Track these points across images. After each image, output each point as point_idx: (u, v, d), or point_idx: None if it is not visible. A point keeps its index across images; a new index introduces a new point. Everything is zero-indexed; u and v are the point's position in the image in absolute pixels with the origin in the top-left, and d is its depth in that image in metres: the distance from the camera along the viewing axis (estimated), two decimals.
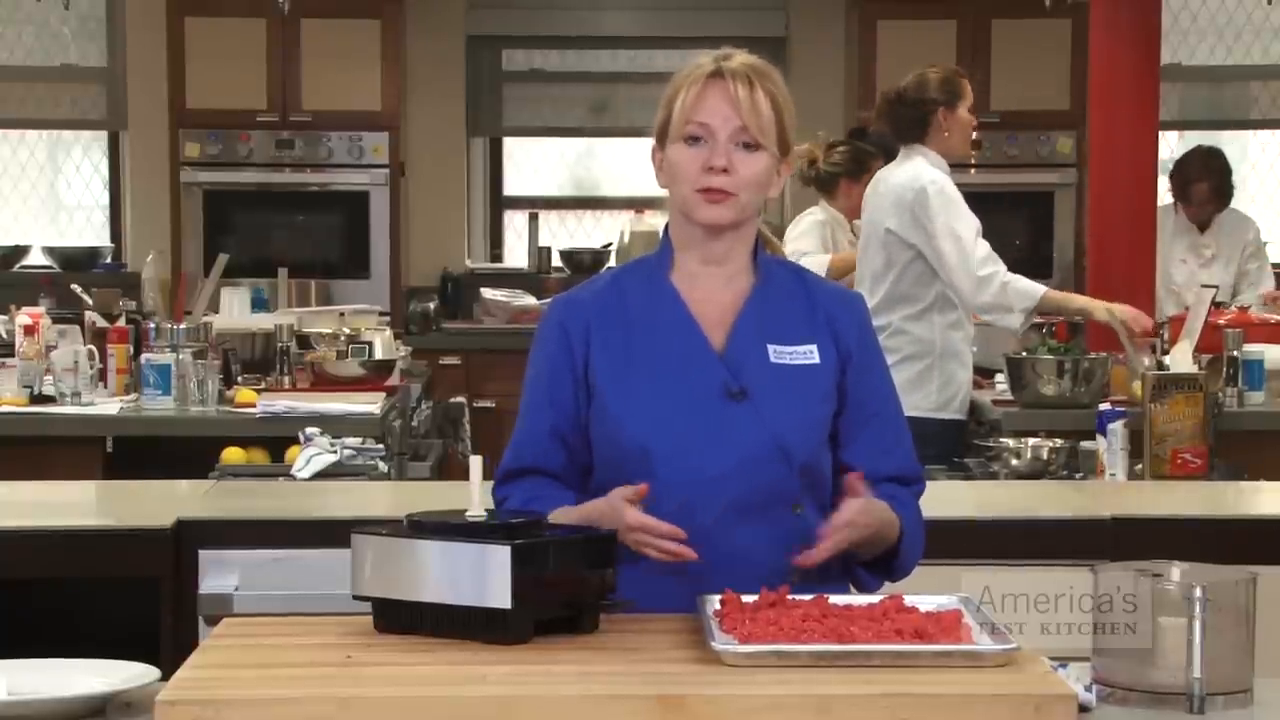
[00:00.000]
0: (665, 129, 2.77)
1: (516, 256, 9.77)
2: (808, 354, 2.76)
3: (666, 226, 2.84)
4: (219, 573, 3.70)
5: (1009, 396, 5.70)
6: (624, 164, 9.73)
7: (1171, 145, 9.12)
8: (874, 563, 2.78)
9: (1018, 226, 9.01)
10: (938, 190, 5.61)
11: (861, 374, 2.80)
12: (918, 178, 5.66)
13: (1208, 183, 7.64)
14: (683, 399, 2.71)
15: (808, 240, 6.87)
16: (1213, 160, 7.76)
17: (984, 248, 5.57)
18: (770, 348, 2.75)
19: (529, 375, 2.82)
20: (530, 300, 9.08)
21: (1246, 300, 7.03)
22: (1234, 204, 7.98)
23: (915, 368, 5.58)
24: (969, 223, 5.59)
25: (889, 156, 6.12)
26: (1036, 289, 5.56)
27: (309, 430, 4.87)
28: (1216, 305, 6.19)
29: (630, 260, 2.93)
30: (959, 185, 5.75)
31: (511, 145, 9.91)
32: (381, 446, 4.97)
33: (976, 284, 5.52)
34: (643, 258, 2.88)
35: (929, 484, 2.93)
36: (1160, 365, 5.22)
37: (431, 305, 9.01)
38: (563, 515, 2.69)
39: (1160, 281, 7.12)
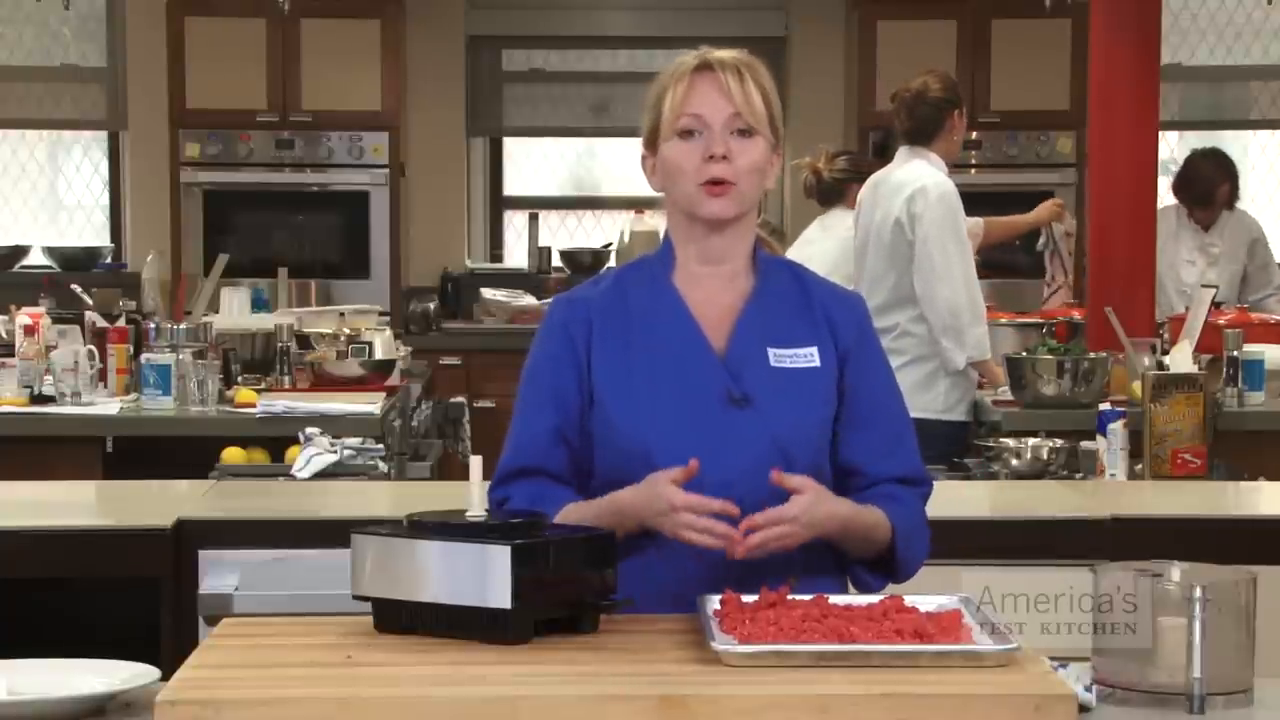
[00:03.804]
0: (655, 131, 2.76)
1: (516, 256, 9.77)
2: (808, 357, 2.75)
3: (667, 231, 2.82)
4: (219, 573, 3.70)
5: (1009, 396, 5.70)
6: (624, 164, 9.73)
7: (1171, 145, 9.12)
8: (874, 563, 2.78)
9: None
10: (940, 194, 5.62)
11: (860, 374, 2.78)
12: (920, 178, 5.67)
13: (1229, 184, 7.68)
14: (684, 405, 2.70)
15: None
16: (1225, 160, 7.80)
17: (976, 286, 5.62)
18: (771, 351, 2.74)
19: (529, 373, 2.79)
20: (530, 300, 9.08)
21: (1271, 305, 7.05)
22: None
23: (923, 370, 5.59)
24: (961, 238, 5.61)
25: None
26: (987, 349, 5.65)
27: (309, 430, 4.86)
28: (1216, 305, 6.19)
29: (633, 260, 2.92)
30: (959, 184, 5.76)
31: (511, 145, 9.92)
32: (381, 446, 4.97)
33: (948, 305, 5.56)
34: (645, 257, 2.85)
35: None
36: (1160, 365, 5.22)
37: (431, 305, 9.02)
38: (579, 508, 2.67)
39: (1170, 283, 7.15)
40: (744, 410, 2.70)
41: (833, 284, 2.94)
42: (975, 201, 5.71)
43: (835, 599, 2.48)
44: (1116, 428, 4.82)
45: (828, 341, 2.77)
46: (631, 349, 2.74)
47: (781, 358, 2.74)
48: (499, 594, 2.38)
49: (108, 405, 5.73)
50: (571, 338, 2.75)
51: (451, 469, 6.26)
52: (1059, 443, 4.98)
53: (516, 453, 2.76)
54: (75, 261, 9.28)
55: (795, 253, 6.48)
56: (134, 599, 3.65)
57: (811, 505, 2.61)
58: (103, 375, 5.89)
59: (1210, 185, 7.66)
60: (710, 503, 2.58)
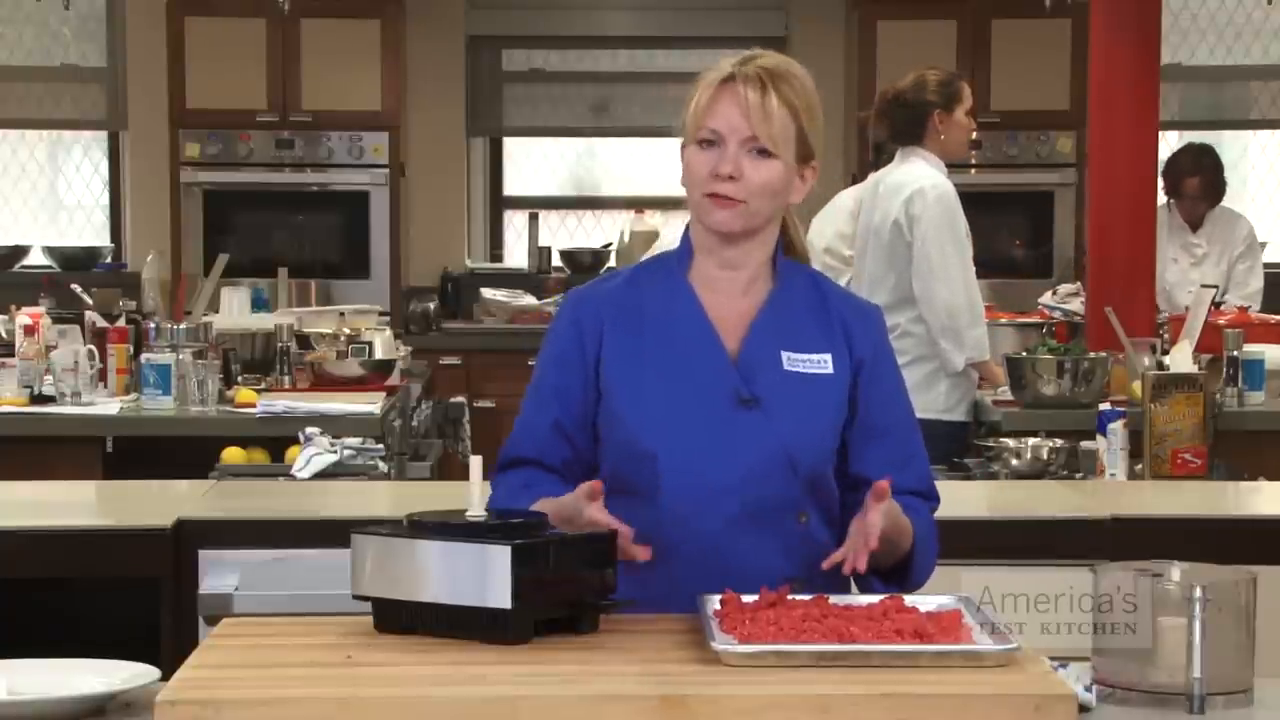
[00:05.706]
0: (685, 132, 2.76)
1: (516, 256, 9.77)
2: (821, 363, 2.74)
3: (687, 227, 2.82)
4: (219, 573, 3.70)
5: (1009, 396, 5.70)
6: (624, 164, 9.74)
7: (1171, 145, 9.12)
8: (888, 572, 2.77)
9: (1018, 226, 9.02)
10: (938, 195, 5.61)
11: (874, 385, 2.77)
12: (919, 179, 5.66)
13: (1199, 178, 7.65)
14: (693, 405, 2.69)
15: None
16: (1204, 157, 7.77)
17: (974, 287, 5.61)
18: (784, 354, 2.73)
19: (538, 367, 2.81)
20: (530, 300, 9.08)
21: (1233, 301, 7.04)
22: (1233, 203, 7.98)
23: (923, 370, 5.58)
24: (959, 239, 5.60)
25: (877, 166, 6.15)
26: (986, 350, 5.62)
27: (309, 430, 4.87)
28: (1215, 305, 6.19)
29: (649, 258, 2.91)
30: (958, 185, 5.75)
31: (511, 145, 9.92)
32: (381, 446, 4.97)
33: (947, 306, 5.55)
34: (662, 255, 2.85)
35: None
36: (1160, 365, 5.22)
37: (431, 305, 9.02)
38: (541, 505, 2.67)
39: None
40: (752, 412, 2.69)
41: (852, 294, 2.96)
42: (975, 201, 5.69)
43: (835, 599, 2.48)
44: (1116, 428, 4.82)
45: (843, 350, 2.76)
46: (643, 345, 2.73)
47: (795, 362, 2.73)
48: (499, 594, 2.38)
49: (108, 405, 5.73)
50: (581, 334, 2.75)
51: (451, 469, 6.26)
52: (1059, 443, 4.98)
53: (514, 443, 2.80)
54: (75, 261, 9.28)
55: None
56: (134, 599, 3.65)
57: (889, 514, 2.61)
58: (103, 375, 5.89)
59: (1179, 175, 7.65)
60: (610, 524, 2.55)
